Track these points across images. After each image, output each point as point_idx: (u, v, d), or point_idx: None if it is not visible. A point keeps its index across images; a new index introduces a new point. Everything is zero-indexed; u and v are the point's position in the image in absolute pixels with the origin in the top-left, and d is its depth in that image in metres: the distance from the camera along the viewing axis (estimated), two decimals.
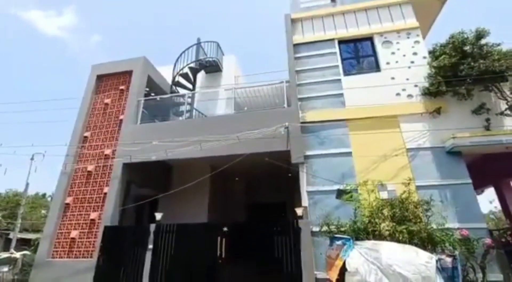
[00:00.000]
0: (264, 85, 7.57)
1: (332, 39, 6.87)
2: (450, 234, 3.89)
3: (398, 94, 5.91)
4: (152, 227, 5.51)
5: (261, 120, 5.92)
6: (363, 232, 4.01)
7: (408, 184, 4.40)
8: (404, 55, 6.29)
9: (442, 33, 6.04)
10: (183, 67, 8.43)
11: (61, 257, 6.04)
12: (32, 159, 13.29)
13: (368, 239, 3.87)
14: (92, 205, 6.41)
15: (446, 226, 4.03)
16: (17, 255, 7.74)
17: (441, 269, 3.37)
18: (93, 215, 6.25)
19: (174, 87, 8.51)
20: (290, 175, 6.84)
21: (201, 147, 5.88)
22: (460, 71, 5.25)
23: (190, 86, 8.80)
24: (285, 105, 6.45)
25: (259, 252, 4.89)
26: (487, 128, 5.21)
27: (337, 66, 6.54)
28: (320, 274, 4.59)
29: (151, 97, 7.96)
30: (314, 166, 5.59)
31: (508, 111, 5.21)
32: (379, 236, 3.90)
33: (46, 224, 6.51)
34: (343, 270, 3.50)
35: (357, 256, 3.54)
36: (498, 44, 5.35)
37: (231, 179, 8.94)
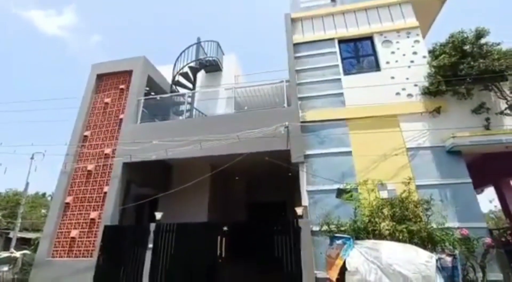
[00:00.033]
0: (264, 85, 7.57)
1: (332, 39, 6.87)
2: (450, 233, 3.89)
3: (398, 93, 5.91)
4: (152, 226, 5.51)
5: (261, 120, 5.92)
6: (363, 231, 4.01)
7: (408, 183, 4.40)
8: (404, 55, 6.29)
9: (442, 32, 6.05)
10: (183, 67, 8.42)
11: (61, 257, 6.04)
12: (32, 158, 13.28)
13: (368, 238, 3.88)
14: (92, 204, 6.41)
15: (446, 225, 4.03)
16: (17, 254, 7.74)
17: (441, 268, 3.37)
18: (93, 214, 6.25)
19: (174, 86, 8.50)
20: (290, 174, 6.84)
21: (201, 146, 5.88)
22: (460, 71, 5.25)
23: (190, 85, 8.80)
24: (285, 104, 6.45)
25: (259, 251, 4.89)
26: (487, 127, 5.22)
27: (337, 65, 6.54)
28: (320, 274, 4.59)
29: (151, 96, 7.95)
30: (314, 165, 5.59)
31: (508, 111, 5.22)
32: (379, 235, 3.91)
33: (46, 223, 6.51)
34: (343, 269, 3.50)
35: (357, 256, 3.54)
36: (498, 44, 5.35)
37: (231, 178, 8.94)
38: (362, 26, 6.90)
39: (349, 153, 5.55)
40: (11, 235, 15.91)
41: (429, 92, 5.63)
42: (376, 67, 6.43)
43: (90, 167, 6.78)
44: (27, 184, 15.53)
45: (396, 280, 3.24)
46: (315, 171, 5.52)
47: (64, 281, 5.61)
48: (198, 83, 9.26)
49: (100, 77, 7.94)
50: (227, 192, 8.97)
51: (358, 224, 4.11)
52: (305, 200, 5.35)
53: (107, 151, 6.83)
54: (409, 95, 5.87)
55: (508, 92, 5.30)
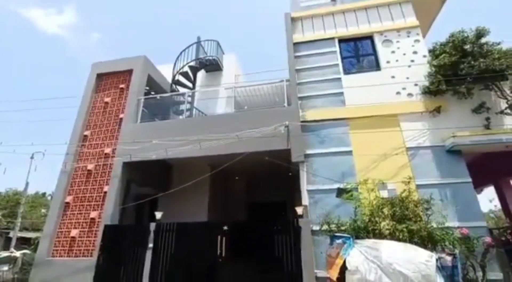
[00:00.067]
0: (264, 84, 7.57)
1: (332, 38, 6.86)
2: (450, 233, 3.89)
3: (398, 93, 5.91)
4: (152, 226, 5.51)
5: (261, 119, 5.92)
6: (363, 230, 4.01)
7: (408, 182, 4.39)
8: (404, 54, 6.29)
9: (442, 32, 6.04)
10: (183, 66, 8.42)
11: (61, 256, 6.04)
12: (32, 157, 13.28)
13: (368, 237, 3.87)
14: (92, 204, 6.40)
15: (446, 224, 4.03)
16: (17, 254, 7.74)
17: (441, 268, 3.37)
18: (93, 214, 6.24)
19: (174, 86, 8.49)
20: (290, 173, 6.84)
21: (201, 146, 5.88)
22: (460, 70, 5.25)
23: (190, 85, 8.79)
24: (285, 104, 6.45)
25: (259, 251, 4.90)
26: (487, 127, 5.22)
27: (337, 65, 6.53)
28: (321, 273, 4.60)
29: (151, 96, 7.94)
30: (314, 165, 5.59)
31: (508, 110, 5.21)
32: (379, 235, 3.91)
33: (46, 223, 6.51)
34: (343, 268, 3.50)
35: (357, 255, 3.54)
36: (498, 43, 5.34)
37: (231, 178, 8.94)
38: (362, 25, 6.90)
39: (349, 153, 5.55)
40: (11, 235, 15.92)
41: (429, 92, 5.63)
42: (376, 66, 6.42)
43: (90, 166, 6.78)
44: (27, 183, 15.54)
45: (396, 279, 3.24)
46: (315, 171, 5.52)
47: (64, 281, 5.62)
48: (198, 82, 9.25)
49: (100, 76, 7.93)
50: (227, 191, 8.97)
51: (358, 223, 4.11)
52: (305, 200, 5.35)
53: (107, 150, 6.83)
54: (409, 94, 5.86)
55: (508, 91, 5.29)
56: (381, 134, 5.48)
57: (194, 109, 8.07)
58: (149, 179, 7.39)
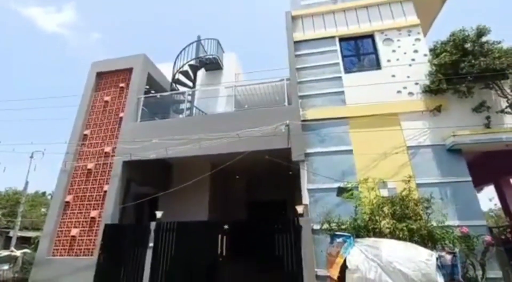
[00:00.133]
0: (264, 83, 7.56)
1: (333, 37, 6.84)
2: (450, 232, 3.90)
3: (399, 92, 5.90)
4: (153, 225, 5.51)
5: (261, 118, 5.91)
6: (364, 229, 4.02)
7: (409, 181, 4.39)
8: (405, 53, 6.27)
9: (443, 31, 6.03)
10: (183, 65, 8.39)
11: (62, 255, 6.04)
12: (31, 156, 13.26)
13: (369, 236, 3.88)
14: (92, 203, 6.40)
15: (446, 223, 4.03)
16: (17, 253, 7.76)
17: (441, 266, 3.37)
18: (93, 213, 6.24)
19: (174, 85, 8.48)
20: (290, 172, 6.84)
21: (201, 145, 5.87)
22: (460, 69, 5.24)
23: (190, 84, 8.77)
24: (286, 103, 6.44)
25: (259, 250, 4.90)
26: (487, 126, 5.22)
27: (337, 63, 6.52)
28: (321, 272, 4.60)
29: (151, 94, 7.93)
30: (314, 164, 5.59)
31: (508, 109, 5.21)
32: (380, 234, 3.91)
33: (46, 222, 6.51)
34: (343, 267, 3.50)
35: (357, 254, 3.54)
36: (499, 42, 5.34)
37: (231, 177, 8.94)
38: (363, 24, 6.88)
39: (349, 151, 5.55)
40: (11, 234, 15.93)
41: (430, 91, 5.62)
42: (377, 65, 6.41)
43: (90, 165, 6.77)
44: (27, 182, 15.53)
45: (396, 278, 3.24)
46: (316, 169, 5.52)
47: (65, 280, 5.62)
48: (198, 81, 9.23)
49: (99, 75, 7.91)
50: (227, 190, 8.98)
51: (359, 222, 4.11)
52: (305, 199, 5.35)
53: (107, 149, 6.82)
54: (410, 93, 5.86)
55: (508, 90, 5.29)
56: (381, 133, 5.47)
57: (194, 108, 8.06)
58: (149, 178, 7.39)
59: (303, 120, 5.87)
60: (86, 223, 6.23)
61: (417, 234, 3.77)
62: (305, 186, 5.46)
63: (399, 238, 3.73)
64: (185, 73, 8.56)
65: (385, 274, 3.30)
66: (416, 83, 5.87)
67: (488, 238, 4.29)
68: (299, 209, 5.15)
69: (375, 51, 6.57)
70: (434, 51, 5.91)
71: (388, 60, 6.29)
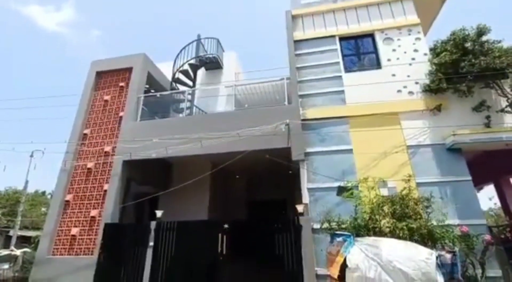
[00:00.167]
0: (264, 82, 7.55)
1: (333, 36, 6.83)
2: (450, 231, 3.90)
3: (399, 91, 5.90)
4: (153, 224, 5.52)
5: (261, 118, 5.90)
6: (364, 228, 4.02)
7: (409, 180, 4.39)
8: (405, 52, 6.27)
9: (443, 30, 6.02)
10: (183, 64, 8.38)
11: (62, 254, 6.04)
12: (31, 156, 13.26)
13: (369, 235, 3.88)
14: (92, 202, 6.40)
15: (446, 222, 4.04)
16: (18, 252, 7.76)
17: (440, 265, 3.37)
18: (93, 212, 6.25)
19: (174, 84, 8.47)
20: (290, 172, 6.84)
21: (202, 144, 5.87)
22: (461, 68, 5.24)
23: (190, 83, 8.76)
24: (286, 102, 6.44)
25: (260, 249, 4.91)
26: (487, 125, 5.22)
27: (338, 63, 6.51)
28: (321, 271, 4.61)
29: (151, 94, 7.92)
30: (314, 163, 5.59)
31: (508, 109, 5.21)
32: (380, 233, 3.91)
33: (46, 222, 6.51)
34: (343, 266, 3.51)
35: (357, 252, 3.55)
36: (499, 41, 5.33)
37: (231, 176, 8.94)
38: (363, 23, 6.87)
39: (349, 151, 5.55)
40: (11, 233, 15.94)
41: (430, 90, 5.62)
42: (377, 64, 6.40)
43: (90, 164, 6.77)
44: (27, 181, 15.54)
45: (396, 277, 3.25)
46: (316, 169, 5.53)
47: (65, 279, 5.63)
48: (198, 80, 9.22)
49: (99, 74, 7.90)
50: (227, 190, 8.98)
51: (359, 221, 4.11)
52: (305, 198, 5.35)
53: (107, 148, 6.82)
54: (410, 93, 5.86)
55: (508, 90, 5.29)
56: (381, 132, 5.47)
57: (194, 108, 8.06)
58: (149, 177, 7.39)
59: (303, 120, 5.87)
60: (86, 222, 6.24)
61: (417, 233, 3.77)
62: (305, 185, 5.46)
63: (399, 237, 3.73)
64: (185, 73, 8.55)
65: (385, 273, 3.31)
66: (416, 83, 5.87)
67: (487, 237, 4.30)
68: (299, 208, 5.16)
69: (375, 50, 6.56)
70: (434, 51, 5.91)
71: (388, 60, 6.29)
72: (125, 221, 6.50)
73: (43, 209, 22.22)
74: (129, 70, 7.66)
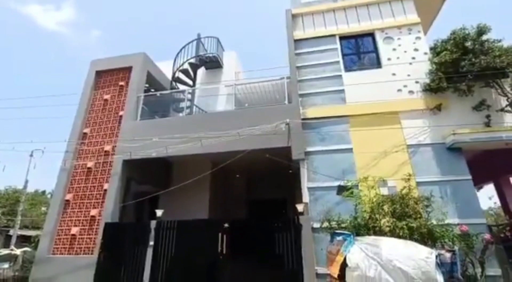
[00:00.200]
0: (264, 82, 7.53)
1: (333, 35, 6.82)
2: (450, 230, 3.91)
3: (399, 90, 5.89)
4: (153, 223, 5.52)
5: (261, 117, 5.90)
6: (364, 227, 4.02)
7: (408, 180, 4.40)
8: (405, 51, 6.26)
9: (443, 30, 6.02)
10: (183, 63, 8.37)
11: (62, 254, 6.05)
12: (31, 155, 13.22)
13: (369, 234, 3.88)
14: (92, 202, 6.40)
15: (446, 221, 4.05)
16: (18, 251, 7.77)
17: (440, 264, 3.38)
18: (93, 212, 6.24)
19: (174, 83, 8.45)
20: (290, 171, 6.84)
21: (202, 143, 5.87)
22: (461, 68, 5.24)
23: (190, 82, 8.75)
24: (286, 101, 6.43)
25: (260, 248, 4.91)
26: (488, 124, 5.22)
27: (338, 62, 6.50)
28: (321, 270, 4.62)
29: (151, 93, 7.91)
30: (314, 162, 5.59)
31: (508, 108, 5.22)
32: (380, 232, 3.92)
33: (46, 221, 6.51)
34: (343, 265, 3.51)
35: (357, 252, 3.55)
36: (499, 41, 5.33)
37: (231, 175, 8.94)
38: (364, 22, 6.86)
39: (349, 150, 5.55)
40: (11, 233, 15.95)
41: (430, 89, 5.62)
42: (377, 64, 6.40)
43: (90, 164, 6.77)
44: (27, 181, 15.54)
45: (396, 276, 3.25)
46: (316, 168, 5.53)
47: (65, 278, 5.63)
48: (198, 80, 9.21)
49: (99, 73, 7.89)
50: (227, 189, 8.99)
51: (359, 220, 4.12)
52: (305, 197, 5.36)
53: (107, 148, 6.81)
54: (410, 92, 5.85)
55: (509, 89, 5.29)
56: (381, 131, 5.47)
57: (194, 107, 8.05)
58: (149, 177, 7.39)
59: (303, 119, 5.87)
60: (86, 222, 6.24)
61: (417, 232, 3.77)
62: (305, 184, 5.46)
63: (399, 236, 3.73)
64: (185, 72, 8.53)
65: (385, 272, 3.31)
66: (417, 82, 5.87)
67: (487, 236, 4.31)
68: (299, 207, 5.16)
69: (376, 49, 6.56)
70: (435, 50, 5.90)
71: (389, 59, 6.28)
72: (125, 220, 6.50)
73: (43, 208, 22.22)
74: (129, 69, 7.65)
